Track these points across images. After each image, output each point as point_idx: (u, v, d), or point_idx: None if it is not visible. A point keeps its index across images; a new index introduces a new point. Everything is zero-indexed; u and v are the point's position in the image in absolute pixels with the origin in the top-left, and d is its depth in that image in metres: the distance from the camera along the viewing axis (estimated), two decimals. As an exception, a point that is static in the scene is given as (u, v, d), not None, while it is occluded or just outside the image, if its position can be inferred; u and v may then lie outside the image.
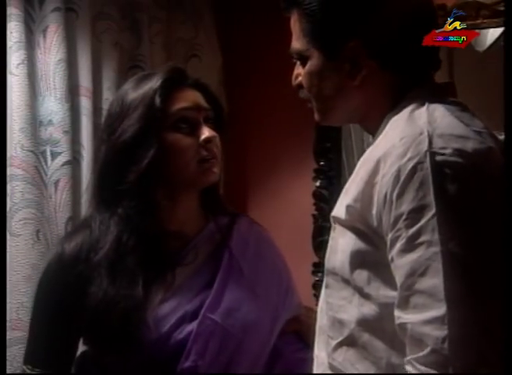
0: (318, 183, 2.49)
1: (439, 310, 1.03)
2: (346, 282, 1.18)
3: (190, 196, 1.62)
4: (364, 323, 1.16)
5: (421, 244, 1.05)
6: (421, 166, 1.07)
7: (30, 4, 2.23)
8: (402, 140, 1.11)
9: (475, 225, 1.06)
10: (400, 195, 1.07)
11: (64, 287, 1.54)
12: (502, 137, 1.26)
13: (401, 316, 1.08)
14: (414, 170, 1.07)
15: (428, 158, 1.07)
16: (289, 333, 1.64)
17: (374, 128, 1.25)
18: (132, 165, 1.52)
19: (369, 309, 1.15)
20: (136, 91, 1.57)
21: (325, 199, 2.45)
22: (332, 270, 1.21)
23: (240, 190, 2.74)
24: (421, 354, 1.04)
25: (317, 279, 2.39)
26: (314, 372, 1.27)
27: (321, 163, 2.48)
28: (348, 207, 1.17)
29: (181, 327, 1.50)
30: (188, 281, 1.55)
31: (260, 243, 1.68)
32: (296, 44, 1.27)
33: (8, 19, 2.13)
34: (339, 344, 1.20)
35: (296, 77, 1.30)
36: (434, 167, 1.06)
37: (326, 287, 1.24)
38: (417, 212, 1.06)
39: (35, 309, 1.61)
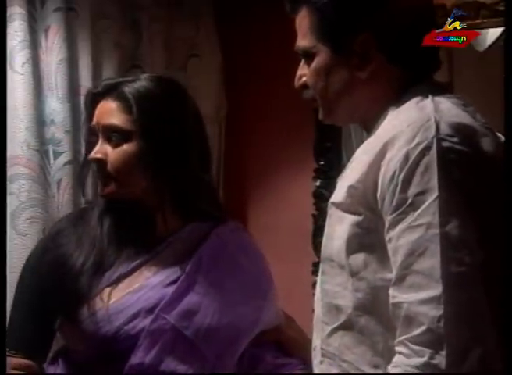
0: (318, 183, 2.49)
1: (436, 290, 1.06)
2: (342, 268, 1.19)
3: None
4: (361, 308, 1.17)
5: (421, 225, 1.08)
6: (428, 151, 1.09)
7: (32, 3, 2.23)
8: (410, 126, 1.13)
9: (475, 210, 1.09)
10: (407, 178, 1.10)
11: (38, 273, 1.59)
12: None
13: (397, 296, 1.10)
14: (421, 155, 1.10)
15: (435, 144, 1.10)
16: (269, 343, 1.64)
17: (372, 124, 1.25)
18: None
19: (365, 293, 1.17)
20: None
21: (325, 199, 2.44)
22: (329, 257, 1.22)
23: (240, 190, 2.75)
24: (415, 333, 1.06)
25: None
26: (313, 361, 1.28)
27: (322, 163, 2.49)
28: (350, 187, 1.18)
29: (134, 322, 1.52)
30: (151, 280, 1.56)
31: (240, 250, 1.66)
32: (303, 41, 1.27)
33: (12, 18, 2.14)
34: (335, 330, 1.21)
35: (300, 78, 1.30)
36: (440, 152, 1.09)
37: (322, 273, 1.25)
38: (421, 196, 1.09)
39: (15, 294, 1.64)
